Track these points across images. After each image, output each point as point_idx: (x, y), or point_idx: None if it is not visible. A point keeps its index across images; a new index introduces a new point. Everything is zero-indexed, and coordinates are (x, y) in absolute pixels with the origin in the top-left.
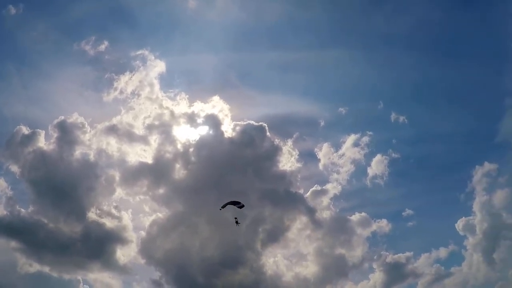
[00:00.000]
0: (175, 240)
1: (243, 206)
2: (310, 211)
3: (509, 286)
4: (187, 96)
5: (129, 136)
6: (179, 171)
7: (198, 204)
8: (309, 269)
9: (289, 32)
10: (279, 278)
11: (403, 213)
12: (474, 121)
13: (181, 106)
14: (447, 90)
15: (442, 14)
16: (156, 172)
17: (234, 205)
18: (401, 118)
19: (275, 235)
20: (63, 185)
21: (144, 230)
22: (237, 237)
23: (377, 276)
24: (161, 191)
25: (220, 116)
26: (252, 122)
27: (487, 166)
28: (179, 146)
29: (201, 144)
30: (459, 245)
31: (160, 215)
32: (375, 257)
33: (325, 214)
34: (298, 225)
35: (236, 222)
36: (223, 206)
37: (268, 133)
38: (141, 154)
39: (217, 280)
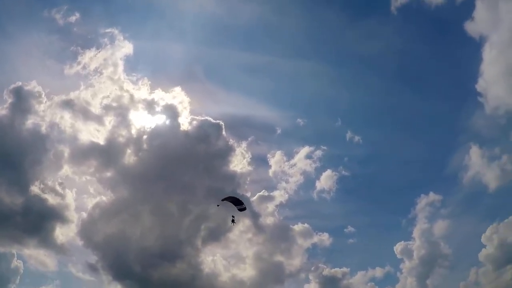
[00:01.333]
0: (116, 226)
1: (244, 209)
2: (254, 215)
3: None
4: (150, 82)
5: (85, 113)
6: (129, 157)
7: (144, 192)
8: (246, 272)
9: (263, 35)
10: (216, 277)
11: (345, 230)
12: (426, 151)
13: (142, 91)
14: (405, 118)
15: (411, 44)
16: (106, 154)
17: (235, 205)
18: (356, 138)
19: (217, 234)
20: (9, 153)
21: (86, 211)
22: (178, 231)
23: (312, 287)
24: (108, 174)
25: (179, 107)
26: (210, 118)
27: (432, 196)
28: (133, 131)
29: (156, 133)
30: (395, 267)
31: (104, 198)
32: (312, 268)
33: (268, 220)
34: (240, 227)
35: (232, 221)
36: (223, 200)
37: (224, 132)
38: (94, 133)
39: (154, 272)
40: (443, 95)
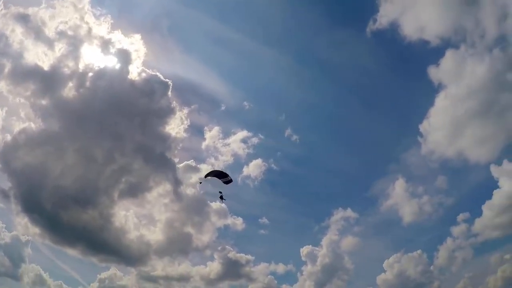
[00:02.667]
0: (38, 157)
1: (231, 181)
2: (177, 182)
3: None
4: (112, 21)
5: (37, 33)
6: (69, 90)
7: (74, 130)
8: (155, 235)
9: (239, 12)
10: (124, 233)
11: (259, 220)
12: (357, 169)
13: (102, 28)
14: (347, 132)
15: (374, 66)
16: (47, 81)
17: (220, 178)
18: (295, 137)
19: (135, 191)
20: None
21: (11, 134)
22: (98, 178)
23: (214, 266)
24: (43, 102)
25: (134, 55)
26: (160, 75)
27: (349, 212)
28: (80, 65)
29: (102, 74)
30: (297, 267)
31: (33, 126)
32: (219, 248)
33: (189, 191)
34: (160, 190)
35: (221, 198)
36: (206, 176)
37: (170, 93)
38: (40, 56)
39: (64, 213)
40: (388, 123)
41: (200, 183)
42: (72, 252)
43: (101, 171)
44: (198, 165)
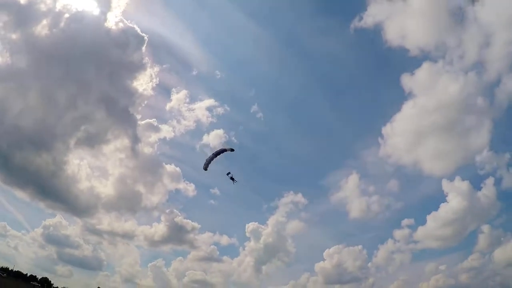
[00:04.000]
0: None
1: (233, 149)
2: (135, 139)
3: None
4: None
5: None
6: (42, 28)
7: (41, 69)
8: (106, 189)
9: None
10: (75, 182)
11: (211, 190)
12: (315, 157)
13: None
14: (313, 120)
15: (350, 62)
16: (22, 15)
17: (223, 152)
18: (260, 114)
19: (92, 141)
20: None
21: None
22: (57, 123)
23: (160, 228)
24: (14, 36)
25: (114, 3)
26: (137, 29)
27: (300, 197)
28: (57, 4)
29: (79, 17)
30: (240, 242)
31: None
32: (167, 211)
33: (146, 150)
34: (117, 144)
35: (232, 178)
36: (210, 161)
37: (144, 48)
38: None
39: (18, 153)
40: (352, 118)
41: (206, 170)
42: (21, 194)
43: (61, 116)
44: (160, 125)
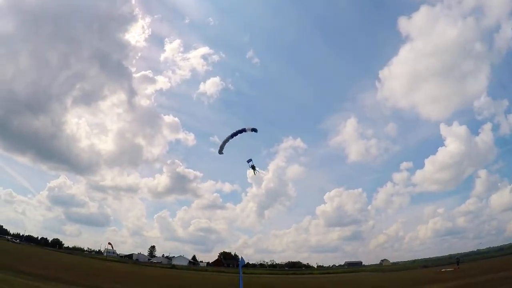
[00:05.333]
0: None
1: (255, 130)
2: (132, 92)
3: (266, 240)
4: None
5: None
6: None
7: (29, 32)
8: (106, 145)
9: None
10: (75, 141)
11: (211, 138)
12: (311, 100)
13: None
14: (309, 63)
15: (349, 7)
16: None
17: (244, 132)
18: (256, 60)
19: (89, 99)
20: None
21: None
22: (51, 83)
23: (162, 179)
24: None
25: None
26: None
27: (299, 142)
28: None
29: None
30: (242, 188)
31: None
32: (169, 162)
33: (143, 102)
34: (114, 100)
35: (253, 167)
36: (226, 143)
37: None
38: None
39: (15, 119)
40: (349, 62)
41: (222, 153)
42: (22, 159)
43: (55, 76)
44: (155, 77)
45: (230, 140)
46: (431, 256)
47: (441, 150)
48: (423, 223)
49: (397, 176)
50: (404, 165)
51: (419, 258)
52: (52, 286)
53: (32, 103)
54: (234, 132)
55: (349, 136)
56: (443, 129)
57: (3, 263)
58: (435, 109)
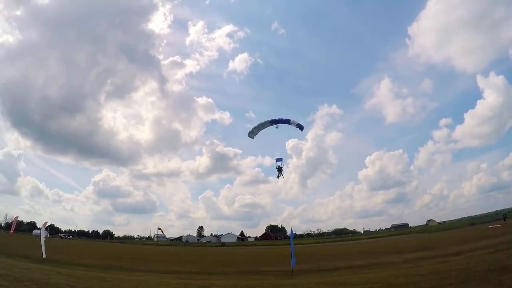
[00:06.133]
0: (20, 70)
1: (301, 127)
2: (162, 80)
3: (311, 210)
4: None
5: None
6: None
7: (53, 37)
8: (144, 134)
9: None
10: (114, 135)
11: (246, 114)
12: (343, 66)
13: None
14: (336, 29)
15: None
16: None
17: (281, 123)
18: (282, 31)
19: (121, 92)
20: None
21: None
22: (83, 83)
23: (203, 160)
24: (18, 12)
25: None
26: None
27: (334, 108)
28: None
29: None
30: (283, 161)
31: (10, 39)
32: (207, 142)
33: (175, 87)
34: (146, 89)
35: (280, 169)
36: (262, 127)
37: None
38: None
39: (53, 122)
40: (376, 21)
41: (253, 137)
42: (65, 159)
43: (85, 75)
44: (183, 61)
45: (268, 127)
46: (477, 214)
47: (480, 103)
48: (467, 180)
49: (437, 134)
50: (443, 121)
51: (466, 216)
52: (114, 274)
53: (67, 105)
54: (275, 120)
55: (384, 97)
56: (480, 81)
57: (61, 259)
58: (470, 61)
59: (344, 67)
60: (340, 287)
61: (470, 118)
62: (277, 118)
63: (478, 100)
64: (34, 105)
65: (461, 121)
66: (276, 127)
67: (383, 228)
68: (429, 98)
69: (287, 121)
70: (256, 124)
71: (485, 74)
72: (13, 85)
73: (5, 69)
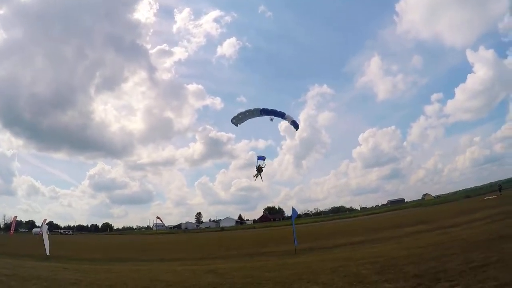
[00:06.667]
0: (7, 70)
1: (296, 125)
2: (151, 69)
3: (307, 190)
4: None
5: None
6: None
7: (38, 33)
8: (136, 124)
9: None
10: (106, 127)
11: (237, 98)
12: (332, 45)
13: None
14: (322, 8)
15: None
16: None
17: (280, 117)
18: (269, 13)
19: (111, 84)
20: None
21: None
22: (72, 77)
23: (197, 146)
24: (1, 12)
25: None
26: None
27: (325, 88)
28: None
29: None
30: (276, 142)
31: None
32: (200, 129)
33: (164, 76)
34: (136, 79)
35: (259, 169)
36: (250, 115)
37: None
38: None
39: (44, 119)
40: (364, 0)
41: (237, 124)
42: (59, 155)
43: (73, 69)
44: (171, 49)
45: (258, 116)
46: (472, 186)
47: (470, 77)
48: (461, 154)
49: (429, 109)
50: (435, 96)
51: (461, 189)
52: (119, 266)
53: (57, 100)
54: (267, 110)
55: (375, 75)
56: (470, 55)
57: (64, 255)
58: (459, 35)
59: (333, 46)
60: (345, 262)
61: (461, 92)
62: (269, 109)
63: (469, 74)
64: (24, 103)
65: (452, 95)
66: (271, 120)
67: (380, 204)
68: (420, 74)
69: (282, 115)
70: (244, 110)
71: (475, 48)
72: (1, 85)
73: None
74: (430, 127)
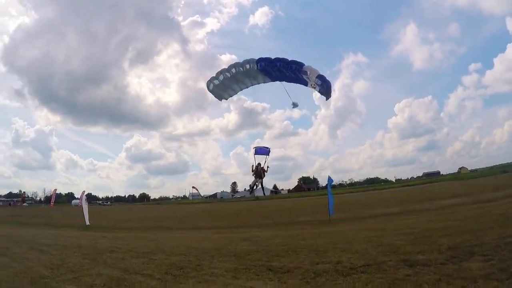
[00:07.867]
0: (41, 49)
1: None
2: (184, 41)
3: (342, 160)
4: None
5: None
6: None
7: (69, 11)
8: (171, 96)
9: None
10: (141, 100)
11: None
12: (366, 12)
13: None
14: None
15: None
16: None
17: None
18: None
19: (144, 57)
20: None
21: (8, 35)
22: (105, 53)
23: (232, 117)
24: None
25: None
26: None
27: (360, 57)
28: None
29: None
30: (311, 112)
31: (27, 20)
32: (234, 99)
33: (197, 47)
34: (169, 52)
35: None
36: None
37: None
38: None
39: (79, 95)
40: None
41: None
42: (95, 129)
43: (106, 45)
44: (203, 20)
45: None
46: (509, 161)
47: (510, 46)
48: (499, 127)
49: (467, 79)
50: (473, 66)
51: (498, 164)
52: (156, 234)
53: (91, 76)
54: (272, 62)
55: (411, 43)
56: (510, 23)
57: (103, 225)
58: (498, 2)
59: (367, 13)
60: (379, 232)
61: (500, 62)
62: (278, 64)
63: (508, 44)
64: (59, 80)
65: (490, 66)
66: (294, 106)
67: (415, 176)
68: (457, 43)
69: (304, 82)
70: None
71: None
72: (36, 65)
73: (26, 50)
74: (468, 98)
